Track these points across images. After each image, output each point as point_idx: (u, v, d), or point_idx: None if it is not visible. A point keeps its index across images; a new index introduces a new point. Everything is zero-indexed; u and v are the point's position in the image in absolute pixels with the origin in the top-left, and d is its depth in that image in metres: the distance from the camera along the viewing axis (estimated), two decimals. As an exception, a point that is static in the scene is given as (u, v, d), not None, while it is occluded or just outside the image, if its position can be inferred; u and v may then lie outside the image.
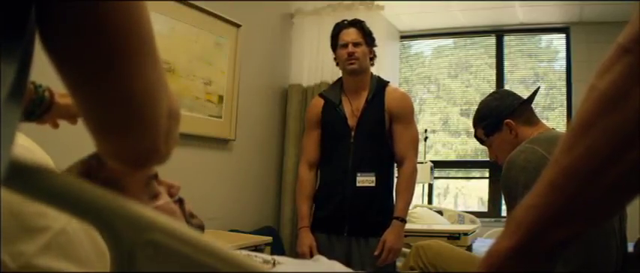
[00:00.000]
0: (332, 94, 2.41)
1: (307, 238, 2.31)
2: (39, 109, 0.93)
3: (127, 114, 0.48)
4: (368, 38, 2.33)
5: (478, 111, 1.90)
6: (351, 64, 2.28)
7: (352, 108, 2.33)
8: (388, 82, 2.41)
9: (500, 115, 1.79)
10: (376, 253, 2.21)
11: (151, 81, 0.48)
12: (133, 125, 0.49)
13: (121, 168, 0.67)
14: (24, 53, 0.43)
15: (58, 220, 0.74)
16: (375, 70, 2.46)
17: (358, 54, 2.28)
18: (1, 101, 0.39)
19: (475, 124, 1.89)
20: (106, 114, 0.48)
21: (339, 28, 2.37)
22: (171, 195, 0.91)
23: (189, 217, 0.95)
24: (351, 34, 2.31)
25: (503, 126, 1.78)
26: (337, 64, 2.42)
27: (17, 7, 0.40)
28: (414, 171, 2.31)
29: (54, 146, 1.02)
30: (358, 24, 2.34)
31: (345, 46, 2.30)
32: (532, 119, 1.80)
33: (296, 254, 2.33)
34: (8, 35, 0.40)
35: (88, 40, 0.43)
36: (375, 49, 2.40)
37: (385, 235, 2.21)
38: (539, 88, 1.93)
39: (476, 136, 1.92)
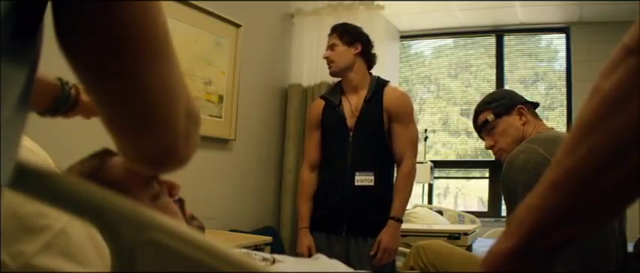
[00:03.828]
0: (332, 95, 2.43)
1: (306, 239, 2.32)
2: (64, 107, 0.92)
3: (143, 113, 0.48)
4: (346, 37, 2.36)
5: (489, 95, 1.93)
6: (329, 67, 2.37)
7: (351, 108, 2.34)
8: (388, 81, 2.41)
9: (514, 99, 1.84)
10: (372, 253, 2.21)
11: (167, 81, 0.48)
12: (149, 125, 0.49)
13: (139, 168, 0.67)
14: (34, 56, 0.42)
15: (58, 220, 0.74)
16: (375, 70, 2.47)
17: (333, 56, 2.35)
18: (11, 106, 0.39)
19: (482, 109, 1.86)
20: (121, 113, 0.48)
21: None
22: (171, 195, 0.91)
23: (189, 219, 0.95)
24: (329, 41, 2.40)
25: (514, 110, 1.79)
26: None
27: (32, 9, 0.40)
28: (412, 170, 2.30)
29: (54, 146, 1.02)
30: (336, 28, 2.41)
31: (327, 49, 2.39)
32: (537, 115, 1.85)
33: (296, 254, 2.33)
34: (22, 39, 0.40)
35: (103, 40, 0.43)
36: (374, 46, 2.42)
37: (381, 235, 2.21)
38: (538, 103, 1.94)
39: (477, 124, 1.88)
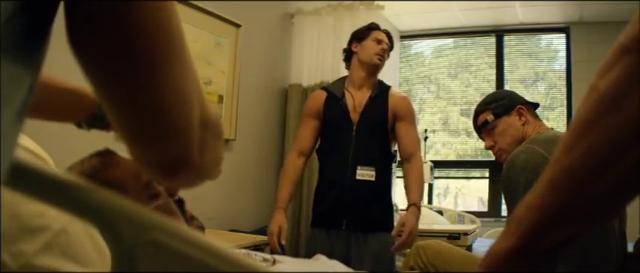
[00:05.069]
0: (335, 88, 2.44)
1: (278, 220, 2.27)
2: (100, 124, 0.91)
3: (154, 119, 0.47)
4: (391, 45, 2.47)
5: (489, 96, 1.94)
6: (379, 59, 2.37)
7: (354, 103, 2.36)
8: (390, 86, 2.46)
9: (514, 99, 1.84)
10: (394, 233, 2.18)
11: (180, 85, 0.46)
12: (159, 131, 0.48)
13: (152, 175, 0.66)
14: (41, 58, 0.42)
15: (58, 219, 0.74)
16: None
17: (385, 55, 2.40)
18: (15, 108, 0.38)
19: (482, 110, 1.87)
20: (132, 118, 0.47)
21: (375, 26, 2.47)
22: (171, 195, 0.91)
23: (189, 219, 0.95)
24: (386, 39, 2.43)
25: (514, 110, 1.80)
26: (346, 57, 2.46)
27: (44, 10, 0.40)
28: (422, 167, 2.35)
29: (54, 146, 1.02)
30: (390, 35, 2.48)
31: (380, 42, 2.39)
32: (536, 116, 1.85)
33: (296, 254, 2.33)
34: (32, 40, 0.39)
35: (114, 40, 0.42)
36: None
37: (403, 218, 2.18)
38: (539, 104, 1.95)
39: (477, 124, 1.89)
